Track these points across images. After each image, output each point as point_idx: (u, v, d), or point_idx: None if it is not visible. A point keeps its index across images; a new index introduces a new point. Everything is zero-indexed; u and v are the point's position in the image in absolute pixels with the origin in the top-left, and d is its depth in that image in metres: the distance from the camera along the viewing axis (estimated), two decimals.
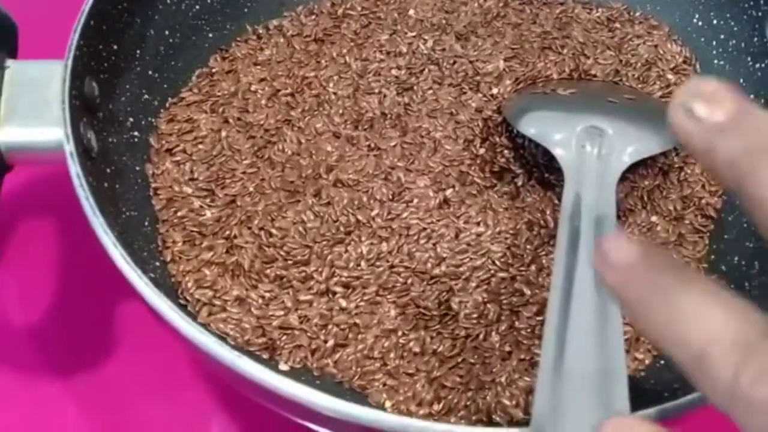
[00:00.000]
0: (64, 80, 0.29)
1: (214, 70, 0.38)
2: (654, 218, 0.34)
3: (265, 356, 0.30)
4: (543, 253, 0.33)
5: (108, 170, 0.31)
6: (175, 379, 0.37)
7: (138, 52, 0.35)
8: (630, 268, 0.20)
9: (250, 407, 0.36)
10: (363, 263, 0.33)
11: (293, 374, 0.30)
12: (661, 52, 0.39)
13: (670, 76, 0.38)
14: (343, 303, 0.32)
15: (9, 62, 0.30)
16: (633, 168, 0.34)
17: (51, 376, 0.37)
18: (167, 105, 0.36)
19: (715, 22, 0.38)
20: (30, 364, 0.37)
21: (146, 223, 0.33)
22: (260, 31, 0.40)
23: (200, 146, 0.35)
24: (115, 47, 0.33)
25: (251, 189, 0.34)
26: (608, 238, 0.20)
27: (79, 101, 0.29)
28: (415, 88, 0.38)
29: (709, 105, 0.19)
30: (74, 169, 0.27)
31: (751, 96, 0.37)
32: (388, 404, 0.30)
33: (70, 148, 0.27)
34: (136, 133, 0.35)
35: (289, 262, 0.32)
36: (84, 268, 0.39)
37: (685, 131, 0.19)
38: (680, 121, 0.19)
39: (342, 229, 0.33)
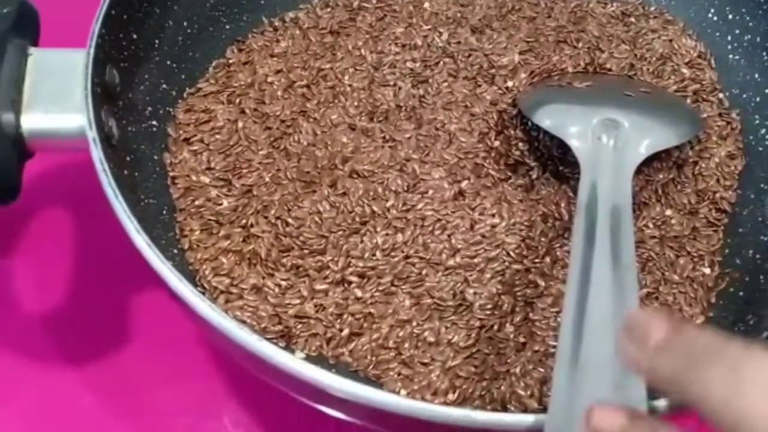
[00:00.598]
0: (86, 68, 0.29)
1: (231, 62, 0.39)
2: (668, 212, 0.34)
3: (281, 344, 0.31)
4: (557, 245, 0.33)
5: (127, 158, 0.31)
6: (188, 367, 0.37)
7: (157, 42, 0.35)
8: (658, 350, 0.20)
9: (261, 395, 0.36)
10: (378, 253, 0.33)
11: (309, 362, 0.30)
12: (676, 46, 0.39)
13: (684, 71, 0.38)
14: (359, 293, 0.32)
15: (32, 50, 0.30)
16: (648, 161, 0.34)
17: (66, 363, 0.37)
18: (185, 95, 0.37)
19: (730, 17, 0.38)
20: (45, 352, 0.38)
21: (164, 212, 0.33)
22: (276, 24, 0.40)
23: (217, 136, 0.36)
24: (135, 37, 0.33)
25: (267, 179, 0.35)
26: (633, 316, 0.22)
27: (100, 89, 0.30)
28: (430, 80, 0.38)
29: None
30: (97, 154, 0.27)
31: (767, 91, 0.37)
32: (403, 393, 0.30)
33: (92, 134, 0.28)
34: (154, 123, 0.35)
35: (305, 251, 0.33)
36: (99, 258, 0.40)
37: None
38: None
39: (357, 219, 0.34)
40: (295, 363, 0.23)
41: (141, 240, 0.26)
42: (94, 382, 0.37)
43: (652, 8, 0.40)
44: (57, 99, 0.29)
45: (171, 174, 0.34)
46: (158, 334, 0.38)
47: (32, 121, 0.29)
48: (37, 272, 0.39)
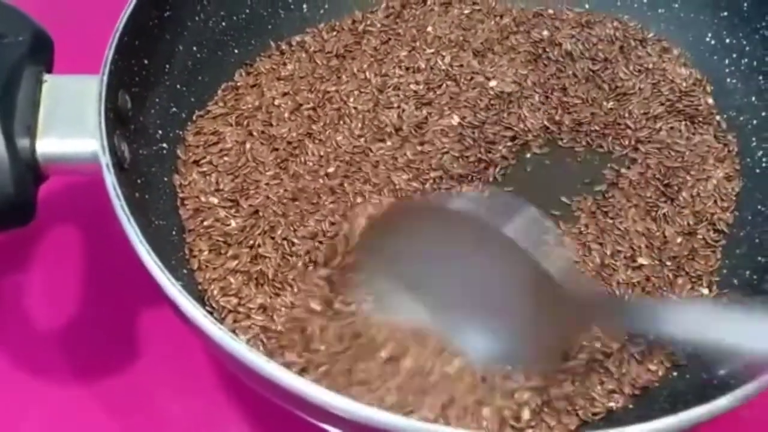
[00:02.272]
0: (99, 94, 0.30)
1: (238, 84, 0.40)
2: (667, 233, 0.35)
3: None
4: None
5: (138, 181, 0.32)
6: (196, 381, 0.38)
7: (167, 66, 0.36)
8: None
9: (269, 411, 0.37)
10: None
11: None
12: (670, 77, 0.39)
13: (678, 103, 0.39)
14: None
15: (46, 76, 0.31)
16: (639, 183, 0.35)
17: (76, 378, 0.38)
18: (194, 118, 0.38)
19: (727, 41, 0.39)
20: (56, 367, 0.38)
21: (173, 233, 0.34)
22: (283, 47, 0.41)
23: (225, 158, 0.37)
24: (146, 62, 0.34)
25: (275, 199, 0.35)
26: None
27: (113, 114, 0.30)
28: (433, 103, 0.39)
29: None
30: (110, 179, 0.28)
31: (763, 114, 0.38)
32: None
33: (106, 159, 0.28)
34: (164, 145, 0.36)
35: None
36: (109, 274, 0.41)
37: None
38: None
39: None
40: (305, 386, 0.24)
41: (152, 263, 0.26)
42: (103, 396, 0.37)
43: (651, 34, 0.41)
44: (71, 124, 0.30)
45: (180, 196, 0.35)
46: (167, 349, 0.38)
47: (47, 145, 0.29)
48: (48, 288, 0.40)
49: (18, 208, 0.28)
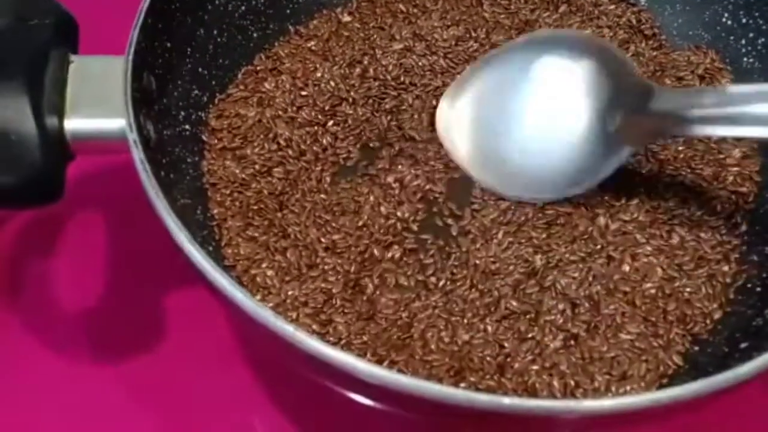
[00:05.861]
0: (125, 74, 0.30)
1: (258, 68, 0.40)
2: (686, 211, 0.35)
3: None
4: None
5: (163, 160, 0.33)
6: (222, 363, 0.39)
7: (189, 49, 0.37)
8: None
9: (295, 391, 0.37)
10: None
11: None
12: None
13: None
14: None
15: (73, 57, 0.31)
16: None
17: (104, 360, 0.39)
18: (216, 101, 0.38)
19: (743, 20, 0.39)
20: (83, 349, 0.39)
21: (198, 211, 0.34)
22: (302, 31, 0.42)
23: (251, 138, 0.37)
24: (169, 45, 0.35)
25: (304, 178, 0.36)
26: None
27: (138, 94, 0.31)
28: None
29: None
30: (138, 155, 0.28)
31: None
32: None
33: (133, 136, 0.29)
34: (187, 127, 0.36)
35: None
36: (134, 258, 0.41)
37: None
38: None
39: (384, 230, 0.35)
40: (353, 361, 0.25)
41: (182, 237, 0.27)
42: (130, 378, 0.38)
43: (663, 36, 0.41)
44: (98, 103, 0.30)
45: (210, 179, 0.35)
46: (192, 331, 0.39)
47: (75, 124, 0.30)
48: (74, 272, 0.41)
49: (47, 184, 0.29)
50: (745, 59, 0.39)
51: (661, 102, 0.32)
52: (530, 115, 0.36)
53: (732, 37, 0.39)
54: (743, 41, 0.39)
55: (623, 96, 0.34)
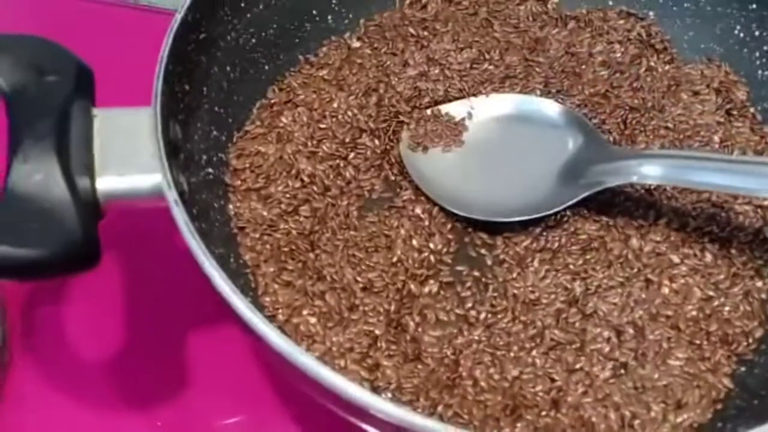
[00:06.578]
0: (155, 128, 0.29)
1: (273, 102, 0.39)
2: (715, 228, 0.36)
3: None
4: None
5: (194, 211, 0.31)
6: (250, 402, 0.38)
7: (205, 89, 0.36)
8: None
9: (327, 427, 0.37)
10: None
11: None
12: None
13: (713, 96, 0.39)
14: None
15: (95, 111, 0.30)
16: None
17: (130, 408, 0.37)
18: (234, 140, 0.37)
19: (756, 33, 0.39)
20: (108, 398, 0.38)
21: (231, 259, 0.33)
22: (312, 59, 0.41)
23: (274, 177, 0.36)
24: (187, 88, 0.34)
25: (332, 214, 0.35)
26: None
27: (168, 147, 0.30)
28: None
29: None
30: (181, 216, 0.27)
31: None
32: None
33: (173, 195, 0.28)
34: (210, 170, 0.35)
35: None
36: (149, 302, 0.40)
37: None
38: None
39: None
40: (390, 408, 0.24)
41: (236, 299, 0.26)
42: (158, 423, 0.37)
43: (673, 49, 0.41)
44: (128, 159, 0.29)
45: (238, 222, 0.34)
46: (217, 372, 0.38)
47: (107, 183, 0.29)
48: (89, 319, 0.39)
49: (86, 251, 0.28)
50: (760, 72, 0.39)
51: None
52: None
53: (745, 50, 0.40)
54: (757, 53, 0.39)
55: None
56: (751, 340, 0.33)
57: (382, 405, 0.25)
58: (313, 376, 0.25)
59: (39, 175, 0.27)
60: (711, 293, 0.34)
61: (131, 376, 0.38)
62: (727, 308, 0.33)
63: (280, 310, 0.33)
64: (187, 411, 0.38)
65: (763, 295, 0.34)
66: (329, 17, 0.42)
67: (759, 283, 0.34)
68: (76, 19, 0.49)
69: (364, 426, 0.29)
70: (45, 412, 0.37)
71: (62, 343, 0.39)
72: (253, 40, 0.39)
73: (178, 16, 0.32)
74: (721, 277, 0.34)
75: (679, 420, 0.30)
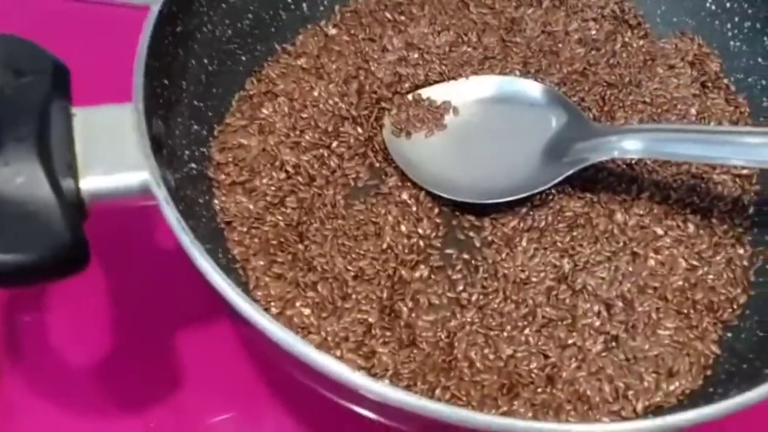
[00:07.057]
0: (139, 124, 0.29)
1: (252, 93, 0.39)
2: (695, 199, 0.36)
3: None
4: None
5: (181, 207, 0.31)
6: (243, 398, 0.38)
7: (183, 83, 0.35)
8: None
9: (321, 421, 0.37)
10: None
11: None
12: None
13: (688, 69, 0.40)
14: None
15: (74, 110, 0.29)
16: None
17: (123, 411, 0.37)
18: (215, 133, 0.37)
19: (728, 5, 0.40)
20: (98, 402, 0.37)
21: (220, 254, 0.33)
22: (289, 49, 0.40)
23: (258, 169, 0.36)
24: (166, 82, 0.33)
25: (319, 204, 0.35)
26: None
27: (153, 143, 0.29)
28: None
29: None
30: (173, 214, 0.27)
31: None
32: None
33: (162, 193, 0.27)
34: (193, 165, 0.35)
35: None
36: (134, 303, 0.39)
37: None
38: None
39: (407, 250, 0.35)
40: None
41: (236, 295, 0.26)
42: (152, 425, 0.37)
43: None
44: (112, 158, 0.29)
45: (224, 217, 0.34)
46: (208, 369, 0.38)
47: (92, 183, 0.28)
48: (74, 324, 0.39)
49: (75, 253, 0.27)
50: (732, 43, 0.40)
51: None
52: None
53: (717, 22, 0.40)
54: (729, 25, 0.40)
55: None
56: (735, 306, 0.34)
57: (396, 394, 0.25)
58: (317, 367, 0.25)
59: (21, 178, 0.27)
60: (695, 263, 0.35)
61: (120, 379, 0.38)
62: (711, 276, 0.34)
63: (272, 303, 0.32)
64: (180, 410, 0.37)
65: (745, 262, 0.35)
66: (304, 5, 0.41)
67: (740, 251, 0.35)
68: (47, 17, 0.47)
69: (364, 412, 0.29)
70: (36, 422, 0.37)
71: (48, 349, 0.38)
72: (229, 31, 0.38)
73: (155, 9, 0.31)
74: (704, 246, 0.35)
75: (671, 388, 0.31)
